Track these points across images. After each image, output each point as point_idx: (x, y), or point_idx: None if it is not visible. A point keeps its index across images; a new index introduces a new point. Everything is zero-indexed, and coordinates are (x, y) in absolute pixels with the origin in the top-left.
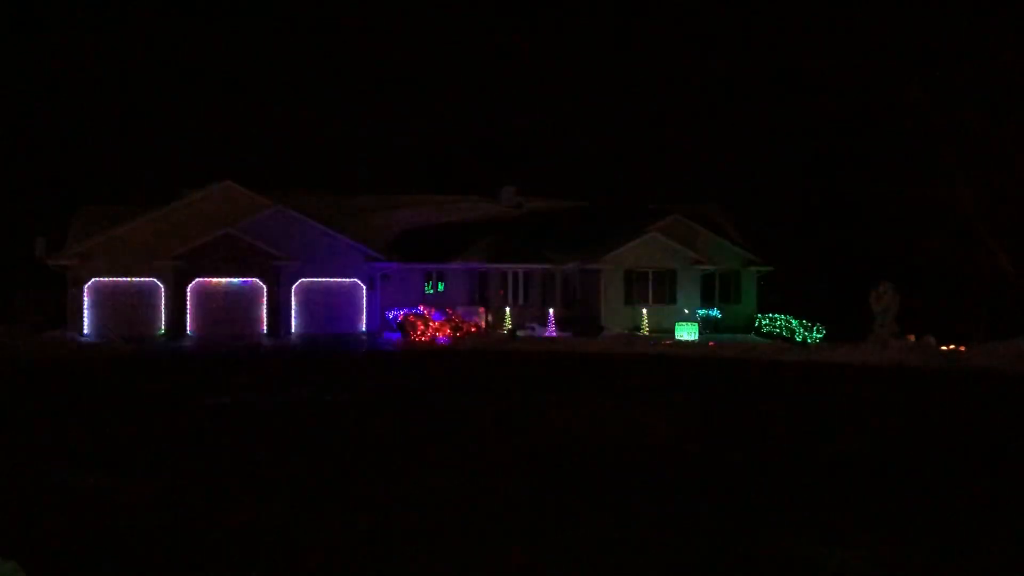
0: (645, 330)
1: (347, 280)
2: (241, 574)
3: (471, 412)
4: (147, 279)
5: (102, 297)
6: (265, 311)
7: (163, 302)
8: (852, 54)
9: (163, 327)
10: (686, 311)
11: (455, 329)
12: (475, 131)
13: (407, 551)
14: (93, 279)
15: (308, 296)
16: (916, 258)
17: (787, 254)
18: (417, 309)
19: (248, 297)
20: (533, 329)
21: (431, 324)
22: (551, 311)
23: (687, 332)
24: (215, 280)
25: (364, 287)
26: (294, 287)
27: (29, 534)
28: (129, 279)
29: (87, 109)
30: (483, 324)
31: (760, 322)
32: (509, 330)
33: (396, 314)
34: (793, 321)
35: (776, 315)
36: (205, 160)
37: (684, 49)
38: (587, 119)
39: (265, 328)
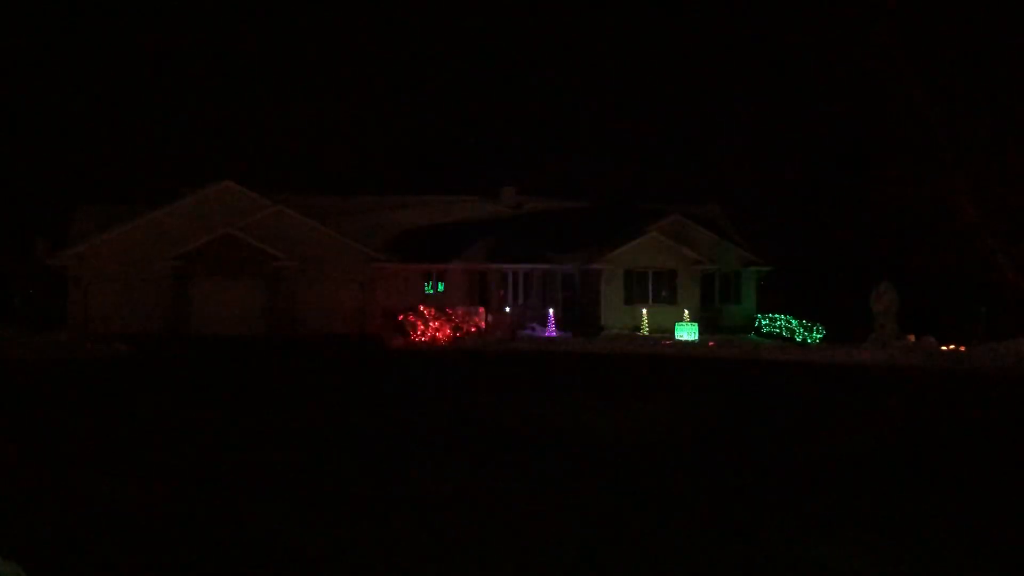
0: (645, 330)
1: (347, 280)
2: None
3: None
4: (147, 278)
5: (102, 297)
6: (265, 311)
7: (163, 302)
8: (853, 54)
9: (163, 327)
10: (686, 311)
11: (455, 329)
12: (476, 131)
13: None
14: (93, 279)
15: (308, 296)
16: (916, 258)
17: (787, 254)
18: (417, 309)
19: (248, 297)
20: (533, 329)
21: (431, 324)
22: (551, 311)
23: (687, 332)
24: (215, 280)
25: (364, 287)
26: (294, 287)
27: (29, 534)
28: (129, 278)
29: (87, 108)
30: (483, 324)
31: (760, 322)
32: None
33: (396, 314)
34: (793, 321)
35: (776, 315)
36: (205, 160)
37: (684, 49)
38: (587, 119)
39: (264, 329)
